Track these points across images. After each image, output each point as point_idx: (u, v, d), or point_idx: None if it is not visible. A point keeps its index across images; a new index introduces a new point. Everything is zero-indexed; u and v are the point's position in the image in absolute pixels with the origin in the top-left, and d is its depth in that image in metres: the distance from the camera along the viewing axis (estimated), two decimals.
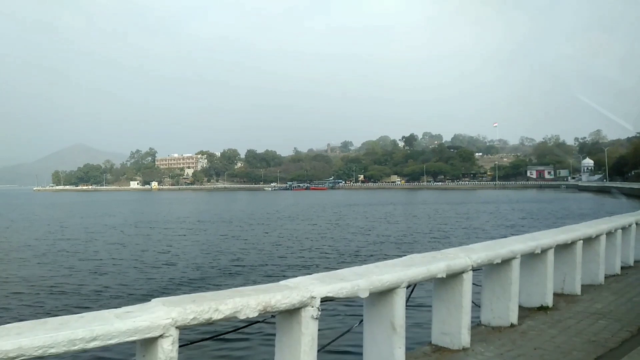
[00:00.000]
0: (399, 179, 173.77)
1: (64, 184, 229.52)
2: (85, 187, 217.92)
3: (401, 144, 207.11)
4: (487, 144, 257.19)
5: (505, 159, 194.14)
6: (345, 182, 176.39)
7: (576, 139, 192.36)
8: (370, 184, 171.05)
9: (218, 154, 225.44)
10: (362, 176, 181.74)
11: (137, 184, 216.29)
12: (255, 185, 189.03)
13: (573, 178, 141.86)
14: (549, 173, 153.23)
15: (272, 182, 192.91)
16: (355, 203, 68.05)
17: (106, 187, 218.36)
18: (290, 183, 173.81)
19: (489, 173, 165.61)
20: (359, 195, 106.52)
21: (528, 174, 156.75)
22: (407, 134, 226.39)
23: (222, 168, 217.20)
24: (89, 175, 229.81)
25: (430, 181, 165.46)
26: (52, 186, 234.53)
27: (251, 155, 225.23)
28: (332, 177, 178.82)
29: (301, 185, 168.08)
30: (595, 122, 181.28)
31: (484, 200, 72.49)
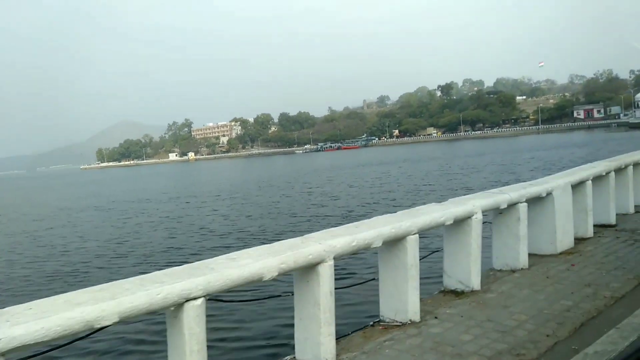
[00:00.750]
0: (435, 131, 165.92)
1: (108, 161, 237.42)
2: (127, 163, 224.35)
3: (438, 93, 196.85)
4: (533, 85, 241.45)
5: (552, 101, 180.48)
6: (379, 139, 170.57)
7: (631, 71, 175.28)
8: (406, 139, 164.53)
9: (251, 120, 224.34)
10: (396, 131, 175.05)
11: (176, 155, 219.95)
12: (288, 149, 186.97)
13: (625, 115, 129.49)
14: (599, 112, 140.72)
15: (305, 144, 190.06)
16: (368, 163, 63.99)
17: (147, 160, 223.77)
18: (322, 144, 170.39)
19: (531, 117, 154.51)
20: (388, 152, 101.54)
21: (575, 114, 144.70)
22: (444, 83, 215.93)
23: (256, 134, 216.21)
24: (129, 150, 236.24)
25: (467, 131, 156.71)
26: (99, 164, 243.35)
27: (284, 119, 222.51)
28: (365, 134, 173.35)
29: (333, 145, 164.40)
30: None
31: (515, 149, 66.38)
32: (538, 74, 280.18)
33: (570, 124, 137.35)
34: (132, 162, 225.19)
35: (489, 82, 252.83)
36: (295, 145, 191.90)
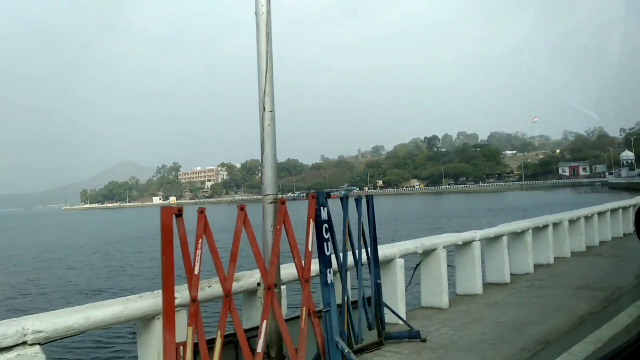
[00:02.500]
0: (417, 183, 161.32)
1: (91, 202, 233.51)
2: (109, 205, 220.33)
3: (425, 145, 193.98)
4: (527, 140, 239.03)
5: (541, 156, 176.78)
6: (361, 189, 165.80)
7: (622, 129, 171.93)
8: (387, 190, 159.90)
9: (238, 165, 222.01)
10: (380, 182, 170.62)
11: (159, 199, 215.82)
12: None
13: (611, 174, 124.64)
14: (584, 169, 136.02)
15: (289, 191, 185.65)
16: None
17: (129, 204, 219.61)
18: (298, 193, 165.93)
19: (515, 172, 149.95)
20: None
21: (560, 171, 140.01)
22: (440, 135, 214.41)
23: (241, 179, 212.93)
24: (113, 192, 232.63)
25: (450, 184, 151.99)
26: (83, 204, 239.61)
27: None
28: (346, 184, 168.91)
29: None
30: None
31: (480, 211, 61.10)
32: (533, 130, 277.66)
33: (555, 181, 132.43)
34: (114, 204, 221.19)
35: (483, 136, 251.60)
36: (279, 193, 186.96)
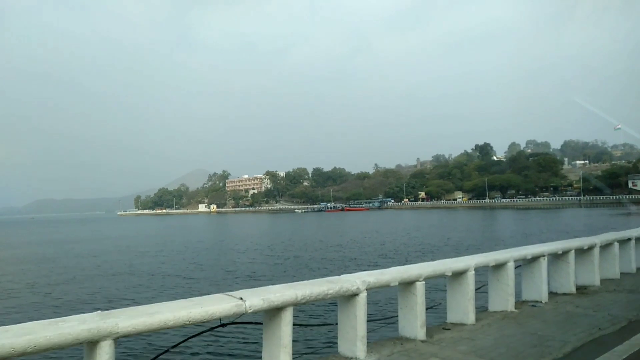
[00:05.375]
0: (461, 195, 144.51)
1: (142, 209, 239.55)
2: (159, 211, 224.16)
3: (477, 154, 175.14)
4: (609, 149, 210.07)
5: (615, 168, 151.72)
6: (399, 201, 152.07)
7: None
8: (425, 203, 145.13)
9: (283, 174, 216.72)
10: (422, 193, 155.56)
11: (204, 207, 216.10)
12: (290, 207, 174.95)
13: None
14: None
15: (328, 201, 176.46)
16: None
17: (176, 210, 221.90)
18: (325, 204, 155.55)
19: (575, 185, 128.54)
20: (378, 220, 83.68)
21: (630, 184, 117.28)
22: (507, 144, 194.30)
23: (284, 188, 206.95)
24: (162, 199, 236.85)
25: (495, 198, 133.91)
26: (136, 210, 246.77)
27: (317, 174, 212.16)
28: (380, 195, 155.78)
29: (337, 206, 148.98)
30: None
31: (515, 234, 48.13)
32: (616, 138, 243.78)
33: (621, 197, 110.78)
34: (163, 211, 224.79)
35: (556, 144, 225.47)
36: (319, 202, 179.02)
